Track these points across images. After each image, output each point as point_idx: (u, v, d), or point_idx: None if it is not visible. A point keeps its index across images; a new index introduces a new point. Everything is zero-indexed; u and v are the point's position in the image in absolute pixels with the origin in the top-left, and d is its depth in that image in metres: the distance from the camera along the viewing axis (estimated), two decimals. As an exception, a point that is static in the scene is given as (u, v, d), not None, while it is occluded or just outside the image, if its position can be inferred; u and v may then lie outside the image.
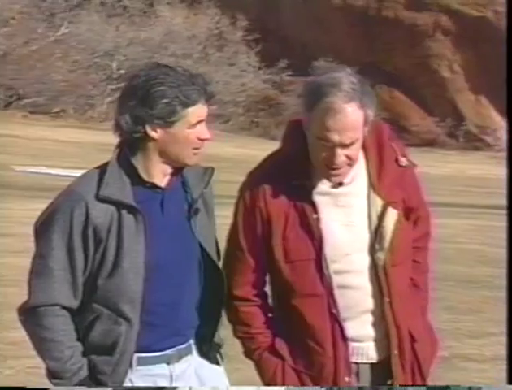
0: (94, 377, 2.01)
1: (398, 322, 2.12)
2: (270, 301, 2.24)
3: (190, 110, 2.00)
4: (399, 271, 2.13)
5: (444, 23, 47.72)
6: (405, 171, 2.17)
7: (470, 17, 47.25)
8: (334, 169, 2.07)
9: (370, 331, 2.13)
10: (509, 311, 3.04)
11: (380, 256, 2.09)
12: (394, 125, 2.69)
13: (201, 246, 2.09)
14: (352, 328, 2.12)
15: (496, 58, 45.92)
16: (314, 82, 2.08)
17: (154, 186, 2.04)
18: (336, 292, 2.09)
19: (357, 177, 2.13)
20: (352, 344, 2.13)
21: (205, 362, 2.16)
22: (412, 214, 2.18)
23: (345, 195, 2.12)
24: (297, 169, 2.11)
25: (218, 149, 17.05)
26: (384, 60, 42.81)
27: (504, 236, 3.51)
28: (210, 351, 2.16)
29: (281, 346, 2.15)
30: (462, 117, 46.16)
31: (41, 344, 2.01)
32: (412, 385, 2.18)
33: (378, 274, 2.10)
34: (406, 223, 2.16)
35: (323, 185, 2.11)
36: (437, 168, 26.45)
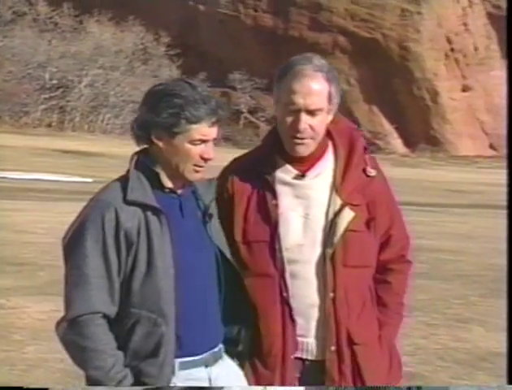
0: (140, 382, 1.84)
1: (339, 319, 1.97)
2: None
3: (194, 126, 1.86)
4: (351, 274, 1.97)
5: (341, 43, 48.72)
6: (372, 181, 2.03)
7: (363, 38, 48.40)
8: (298, 138, 1.96)
9: (314, 328, 1.98)
10: (509, 311, 2.90)
11: (329, 250, 1.96)
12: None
13: (219, 250, 1.96)
14: (297, 322, 1.97)
15: (385, 74, 47.25)
16: (285, 63, 2.04)
17: (171, 191, 1.92)
18: (288, 279, 1.97)
19: (323, 174, 2.03)
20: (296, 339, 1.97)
21: (234, 367, 1.98)
22: (372, 222, 2.02)
23: (307, 188, 2.01)
24: (265, 160, 2.05)
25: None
26: (290, 74, 43.14)
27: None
28: (243, 352, 1.99)
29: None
30: (358, 124, 46.85)
31: (83, 354, 1.82)
32: (354, 385, 1.97)
33: (325, 268, 1.96)
34: (366, 231, 2.01)
35: (286, 176, 2.02)
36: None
